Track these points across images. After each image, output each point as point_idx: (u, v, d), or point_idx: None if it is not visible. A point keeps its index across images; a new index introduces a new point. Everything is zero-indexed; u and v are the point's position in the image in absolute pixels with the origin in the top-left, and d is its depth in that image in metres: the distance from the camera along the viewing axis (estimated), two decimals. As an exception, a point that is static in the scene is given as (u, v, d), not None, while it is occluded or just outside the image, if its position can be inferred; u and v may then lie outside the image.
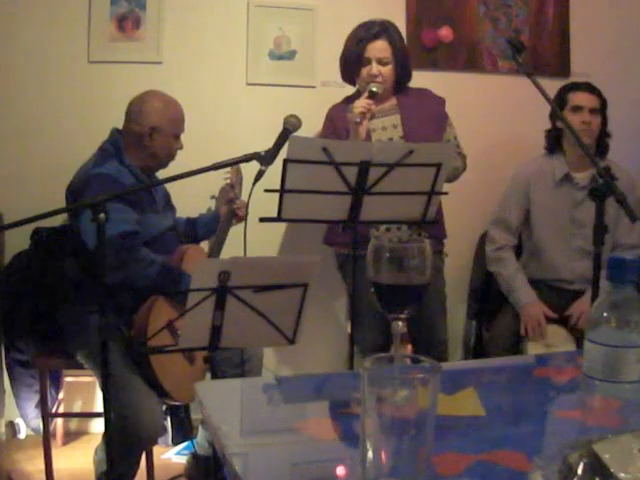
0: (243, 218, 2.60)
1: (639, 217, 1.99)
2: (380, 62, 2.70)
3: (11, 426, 3.03)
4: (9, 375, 2.74)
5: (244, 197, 2.45)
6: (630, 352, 0.99)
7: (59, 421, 3.04)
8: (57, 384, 2.92)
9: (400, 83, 2.81)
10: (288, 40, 3.22)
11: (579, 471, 0.78)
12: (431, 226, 2.45)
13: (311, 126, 2.56)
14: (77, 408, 3.18)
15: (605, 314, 1.01)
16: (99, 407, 2.94)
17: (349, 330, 2.49)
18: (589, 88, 2.94)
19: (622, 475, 0.75)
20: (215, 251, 2.59)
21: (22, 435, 3.06)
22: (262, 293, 1.86)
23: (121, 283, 2.30)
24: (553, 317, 2.89)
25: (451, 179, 2.72)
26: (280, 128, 2.18)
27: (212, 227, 2.74)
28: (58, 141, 3.01)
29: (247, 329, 1.93)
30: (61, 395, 2.98)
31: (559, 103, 2.90)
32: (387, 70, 2.72)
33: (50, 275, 2.66)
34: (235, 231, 2.67)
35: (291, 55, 3.23)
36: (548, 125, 3.05)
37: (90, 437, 3.12)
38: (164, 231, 2.56)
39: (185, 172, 1.98)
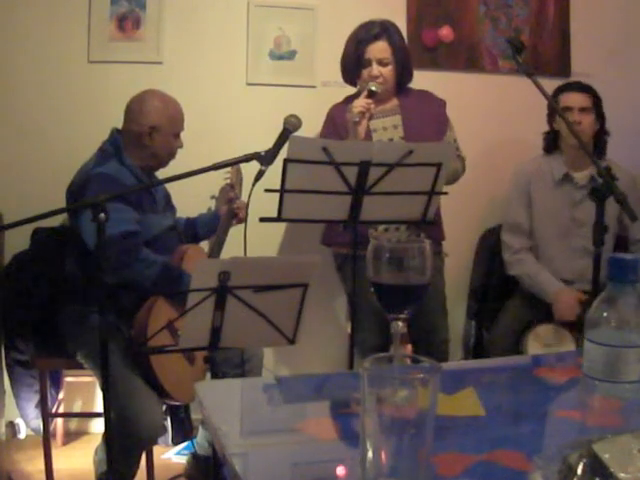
0: (243, 219, 2.60)
1: (639, 217, 2.00)
2: (380, 63, 2.70)
3: (11, 426, 3.02)
4: (9, 375, 2.74)
5: (244, 197, 2.45)
6: (630, 352, 0.99)
7: (59, 421, 3.04)
8: (57, 384, 2.92)
9: (401, 83, 2.81)
10: (288, 40, 3.21)
11: (579, 471, 0.78)
12: (429, 228, 2.45)
13: (311, 126, 2.56)
14: (77, 408, 3.18)
15: (605, 314, 1.01)
16: (99, 407, 2.94)
17: (349, 330, 2.49)
18: (578, 87, 2.94)
19: (622, 475, 0.75)
20: (215, 251, 2.59)
21: (22, 435, 3.06)
22: (262, 293, 1.86)
23: (121, 283, 2.30)
24: (586, 299, 2.84)
25: (450, 181, 2.71)
26: (280, 128, 2.18)
27: (212, 227, 2.74)
28: (58, 141, 3.01)
29: (247, 329, 1.93)
30: (61, 395, 2.98)
31: (552, 106, 2.90)
32: (387, 71, 2.72)
33: (50, 275, 2.66)
34: (235, 231, 2.67)
35: (291, 55, 3.23)
36: (547, 125, 3.06)
37: (90, 437, 3.12)
38: (164, 231, 2.56)
39: (185, 172, 1.98)
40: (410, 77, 2.83)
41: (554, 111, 2.91)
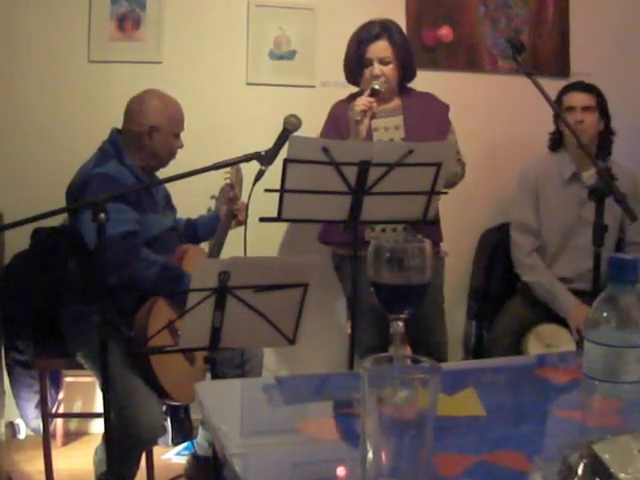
0: (243, 222, 2.60)
1: (638, 217, 1.99)
2: (382, 62, 2.70)
3: (11, 426, 3.02)
4: (9, 375, 2.74)
5: (244, 197, 2.45)
6: (630, 352, 0.99)
7: (59, 421, 3.04)
8: (57, 384, 2.92)
9: (404, 82, 2.81)
10: (288, 40, 3.21)
11: (579, 471, 0.78)
12: (426, 229, 2.45)
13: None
14: (77, 408, 3.18)
15: (605, 314, 1.01)
16: (99, 407, 2.93)
17: (349, 330, 2.49)
18: (582, 87, 2.95)
19: (622, 475, 0.75)
20: (215, 252, 2.59)
21: (22, 435, 3.06)
22: (262, 293, 1.86)
23: (121, 283, 2.29)
24: None
25: (449, 185, 2.69)
26: (280, 128, 2.18)
27: (212, 228, 2.74)
28: (58, 141, 3.01)
29: (247, 329, 1.93)
30: (61, 395, 2.98)
31: (558, 106, 2.91)
32: (389, 69, 2.71)
33: (50, 275, 2.66)
34: (235, 231, 2.68)
35: (291, 55, 3.23)
36: (547, 125, 3.06)
37: (90, 437, 3.11)
38: (165, 231, 2.56)
39: (185, 172, 1.98)
40: (413, 75, 2.83)
41: (556, 115, 2.92)
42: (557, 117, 2.99)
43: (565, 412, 1.16)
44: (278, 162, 2.06)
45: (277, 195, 2.06)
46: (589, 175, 2.95)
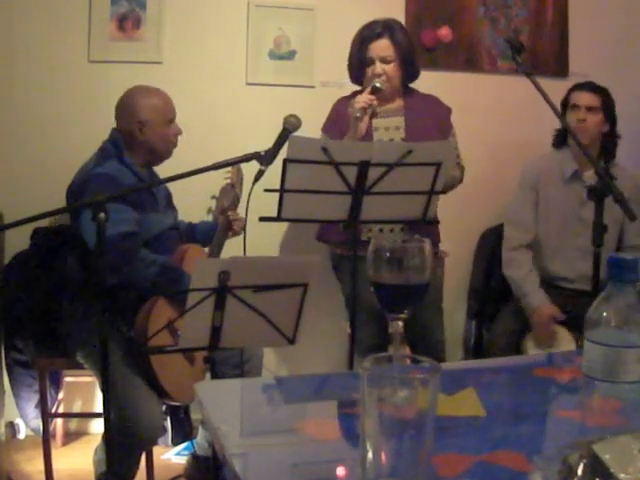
0: (239, 233, 2.60)
1: (638, 217, 2.00)
2: (384, 61, 2.70)
3: (11, 426, 3.02)
4: (9, 375, 2.74)
5: (244, 197, 2.45)
6: (630, 352, 0.99)
7: (59, 421, 3.03)
8: (57, 384, 2.92)
9: (407, 81, 2.80)
10: (288, 40, 3.22)
11: (579, 472, 0.78)
12: (424, 230, 2.45)
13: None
14: (77, 408, 3.18)
15: (605, 314, 1.01)
16: (99, 407, 2.92)
17: (349, 330, 2.49)
18: (589, 87, 2.97)
19: (622, 476, 0.75)
20: (214, 255, 2.58)
21: (22, 435, 3.06)
22: (262, 293, 1.86)
23: (121, 283, 2.29)
24: (562, 319, 2.88)
25: (447, 188, 2.67)
26: (280, 128, 2.18)
27: (210, 235, 2.72)
28: (58, 141, 3.01)
29: (247, 329, 1.93)
30: (61, 395, 2.98)
31: (564, 103, 2.96)
32: (391, 68, 2.71)
33: (50, 275, 2.66)
34: (235, 231, 2.67)
35: (291, 55, 3.23)
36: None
37: (90, 437, 3.11)
38: (165, 230, 2.56)
39: (185, 172, 1.98)
40: (416, 75, 2.82)
41: (563, 109, 2.95)
42: (563, 115, 3.00)
43: (565, 412, 1.16)
44: (278, 162, 2.06)
45: (277, 195, 2.06)
46: (590, 175, 2.95)
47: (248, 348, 2.53)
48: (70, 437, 3.12)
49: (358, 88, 2.82)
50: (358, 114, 2.56)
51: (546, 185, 3.03)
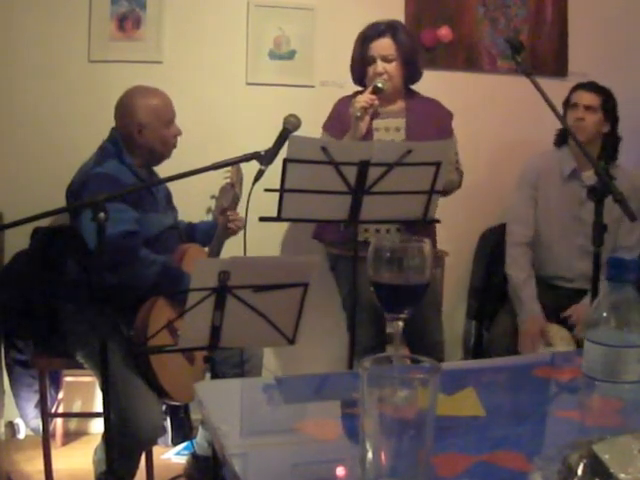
0: (236, 232, 2.60)
1: (638, 217, 2.00)
2: (385, 60, 2.70)
3: (10, 426, 3.02)
4: (9, 375, 2.74)
5: (244, 197, 2.45)
6: (630, 352, 0.99)
7: (59, 421, 3.03)
8: (57, 384, 2.92)
9: (409, 81, 2.80)
10: (288, 40, 3.22)
11: (579, 472, 0.78)
12: (421, 231, 2.44)
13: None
14: (77, 408, 3.18)
15: (605, 314, 1.01)
16: (99, 407, 2.93)
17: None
18: (590, 87, 2.97)
19: (622, 476, 0.75)
20: (214, 255, 2.58)
21: (21, 435, 3.06)
22: (262, 293, 1.86)
23: (121, 283, 2.29)
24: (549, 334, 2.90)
25: (446, 192, 2.67)
26: (280, 128, 2.18)
27: (210, 235, 2.72)
28: (58, 141, 3.01)
29: (247, 329, 1.93)
30: (61, 395, 2.98)
31: (566, 103, 2.98)
32: (392, 67, 2.71)
33: (50, 275, 2.66)
34: (235, 231, 2.67)
35: (291, 55, 3.23)
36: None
37: (90, 437, 3.11)
38: (165, 230, 2.56)
39: (185, 172, 1.98)
40: (418, 75, 2.81)
41: (565, 108, 2.96)
42: (564, 114, 3.01)
43: (565, 412, 1.16)
44: (278, 162, 2.06)
45: (277, 195, 2.06)
46: (589, 175, 2.95)
47: (248, 348, 2.53)
48: (70, 437, 3.12)
49: (361, 89, 2.82)
50: (359, 113, 2.56)
51: (545, 183, 3.03)
